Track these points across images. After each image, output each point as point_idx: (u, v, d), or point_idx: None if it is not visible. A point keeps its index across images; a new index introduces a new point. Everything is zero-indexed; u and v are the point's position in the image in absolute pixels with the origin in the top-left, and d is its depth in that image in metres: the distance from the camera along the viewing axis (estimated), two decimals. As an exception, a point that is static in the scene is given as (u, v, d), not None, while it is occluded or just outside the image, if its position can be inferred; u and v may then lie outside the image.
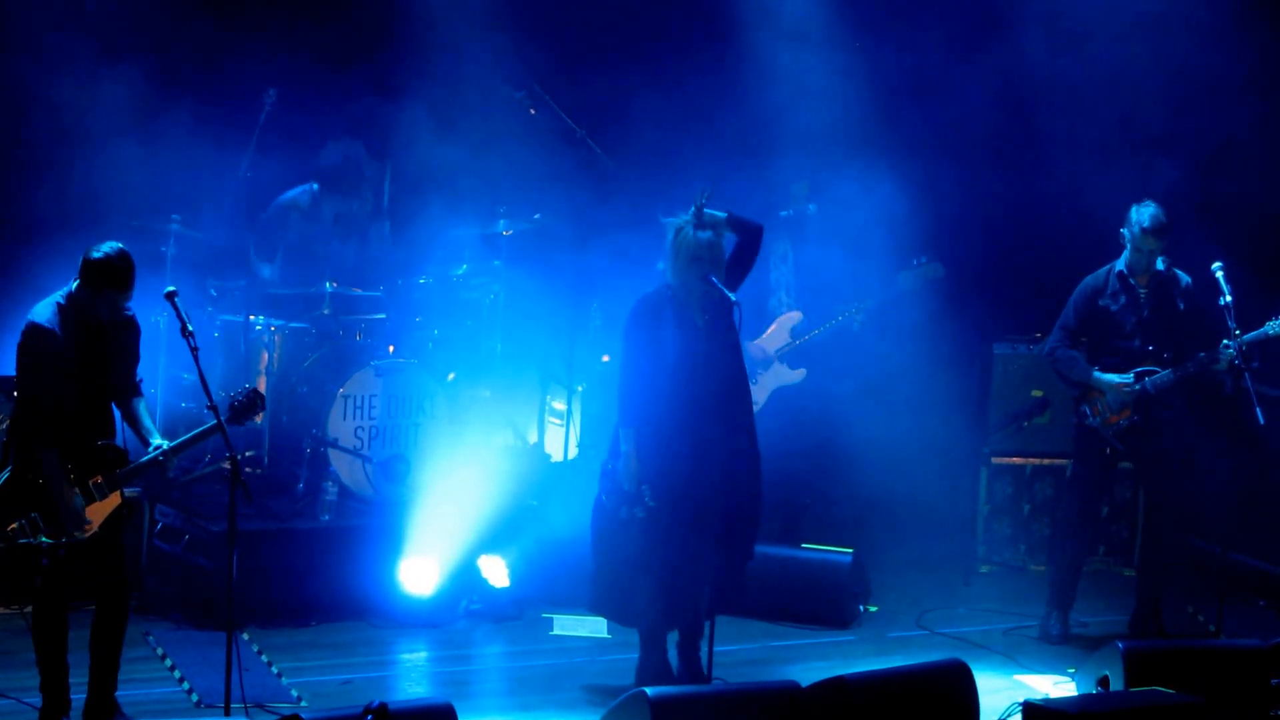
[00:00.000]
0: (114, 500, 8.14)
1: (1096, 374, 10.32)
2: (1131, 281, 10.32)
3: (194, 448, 9.13)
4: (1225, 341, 9.93)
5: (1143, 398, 10.24)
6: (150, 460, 8.15)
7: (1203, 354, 10.06)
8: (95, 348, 8.09)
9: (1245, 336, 9.89)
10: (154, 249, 10.70)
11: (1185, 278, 10.36)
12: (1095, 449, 10.42)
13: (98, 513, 8.08)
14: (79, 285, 8.04)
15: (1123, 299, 10.34)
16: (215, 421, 8.09)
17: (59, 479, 7.95)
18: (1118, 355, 10.35)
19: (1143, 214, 10.18)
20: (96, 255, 7.99)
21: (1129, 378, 10.25)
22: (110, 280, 7.98)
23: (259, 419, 10.76)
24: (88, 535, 8.04)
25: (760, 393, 11.25)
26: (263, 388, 10.83)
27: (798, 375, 11.44)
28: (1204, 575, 11.07)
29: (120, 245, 8.05)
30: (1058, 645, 10.37)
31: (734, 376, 9.05)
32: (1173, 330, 10.31)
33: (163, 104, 11.20)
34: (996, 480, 12.04)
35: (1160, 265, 10.30)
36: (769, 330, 11.45)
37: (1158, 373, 10.22)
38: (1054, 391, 11.44)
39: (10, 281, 10.43)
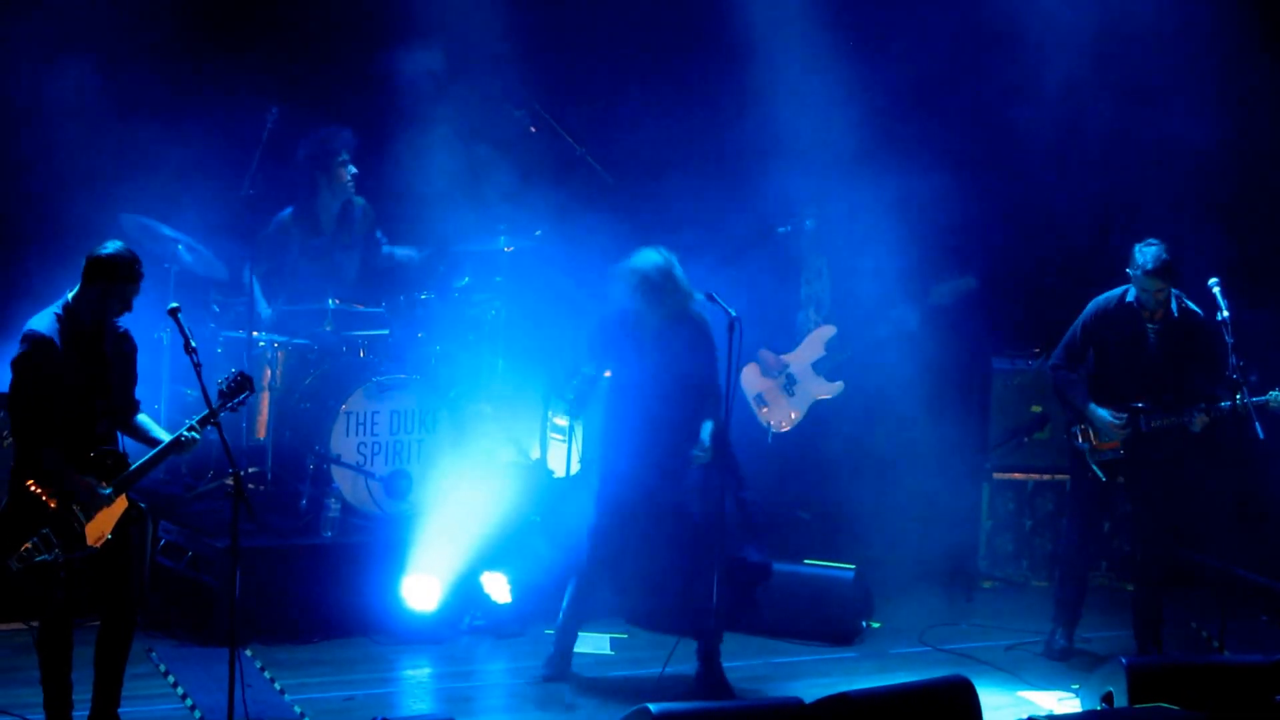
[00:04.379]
0: (121, 505, 8.13)
1: (1092, 406, 10.23)
2: (1142, 316, 10.19)
3: (197, 458, 9.42)
4: (1202, 405, 9.96)
5: (1133, 438, 10.19)
6: (173, 442, 8.12)
7: (1201, 407, 10.00)
8: (92, 359, 8.11)
9: (1248, 400, 9.80)
10: (157, 265, 10.71)
11: (1201, 316, 10.16)
12: (1086, 468, 10.40)
13: (108, 519, 8.08)
14: (84, 290, 8.07)
15: (1128, 332, 10.22)
16: (215, 420, 8.11)
17: (65, 470, 7.96)
18: (1113, 386, 10.27)
19: (1145, 255, 10.03)
20: (105, 252, 8.08)
21: (1122, 418, 10.17)
22: (124, 273, 8.06)
23: (264, 432, 10.84)
24: (101, 544, 8.05)
25: (800, 406, 11.29)
26: (265, 404, 10.84)
27: (835, 388, 11.49)
28: (1207, 591, 11.07)
29: (119, 242, 8.14)
30: (1062, 661, 10.37)
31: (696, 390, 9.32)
32: (1178, 374, 10.19)
33: (166, 121, 11.21)
34: (998, 496, 12.05)
35: (1174, 305, 10.15)
36: (804, 343, 11.49)
37: (1154, 412, 10.14)
38: (1053, 407, 11.45)
39: (11, 296, 10.42)
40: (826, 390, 11.47)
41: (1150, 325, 10.18)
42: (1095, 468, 10.27)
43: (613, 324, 9.50)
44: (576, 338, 11.55)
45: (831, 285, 11.68)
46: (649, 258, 9.31)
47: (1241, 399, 9.76)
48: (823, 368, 11.45)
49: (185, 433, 8.14)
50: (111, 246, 8.11)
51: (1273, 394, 9.94)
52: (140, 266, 8.14)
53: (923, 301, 11.55)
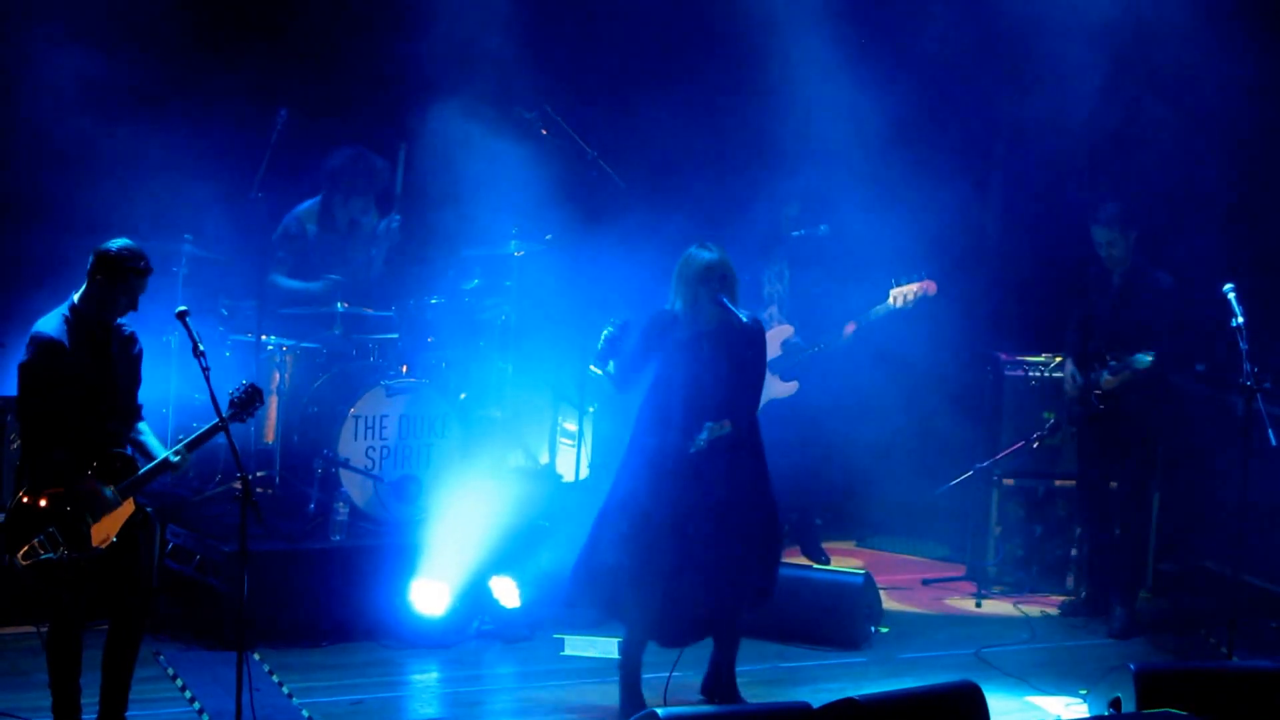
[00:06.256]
0: (127, 508, 8.13)
1: (1069, 361, 11.02)
2: (1112, 280, 10.82)
3: (205, 462, 9.46)
4: (1139, 356, 10.54)
5: (1094, 393, 10.80)
6: (162, 462, 8.14)
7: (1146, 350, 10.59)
8: (100, 360, 8.11)
9: (1260, 405, 9.94)
10: (165, 268, 10.72)
11: (1165, 280, 10.74)
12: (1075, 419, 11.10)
13: (113, 521, 8.08)
14: (90, 287, 8.08)
15: (1099, 293, 10.88)
16: (224, 427, 8.13)
17: (71, 473, 7.96)
18: (1093, 344, 10.90)
19: (1096, 212, 10.75)
20: (113, 247, 8.09)
21: (1080, 380, 10.88)
22: (131, 268, 8.06)
23: (272, 436, 10.85)
24: (105, 546, 8.05)
25: None
26: (274, 408, 10.85)
27: (790, 388, 11.39)
28: (1216, 597, 11.05)
29: (125, 238, 8.16)
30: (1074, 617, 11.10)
31: (728, 397, 9.03)
32: (1131, 329, 10.70)
33: (174, 123, 11.23)
34: (1008, 501, 12.00)
35: (1137, 263, 10.77)
36: None
37: (1109, 365, 10.71)
38: (1064, 413, 11.42)
39: (19, 301, 10.43)
40: (781, 390, 11.37)
41: (1113, 285, 10.82)
42: (1074, 409, 11.04)
43: (664, 320, 9.09)
44: (589, 340, 11.60)
45: (791, 287, 11.59)
46: (717, 254, 8.98)
47: (1254, 404, 9.78)
48: (778, 367, 11.36)
49: (172, 456, 8.16)
50: (118, 242, 8.12)
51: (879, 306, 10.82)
52: (148, 261, 8.15)
53: (882, 304, 11.42)
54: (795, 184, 11.73)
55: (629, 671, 9.24)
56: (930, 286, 11.32)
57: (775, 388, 11.35)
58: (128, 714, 8.32)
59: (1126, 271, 10.78)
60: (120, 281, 8.07)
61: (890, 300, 11.29)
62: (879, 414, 12.04)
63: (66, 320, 8.07)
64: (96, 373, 8.10)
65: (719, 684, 9.30)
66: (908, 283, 11.31)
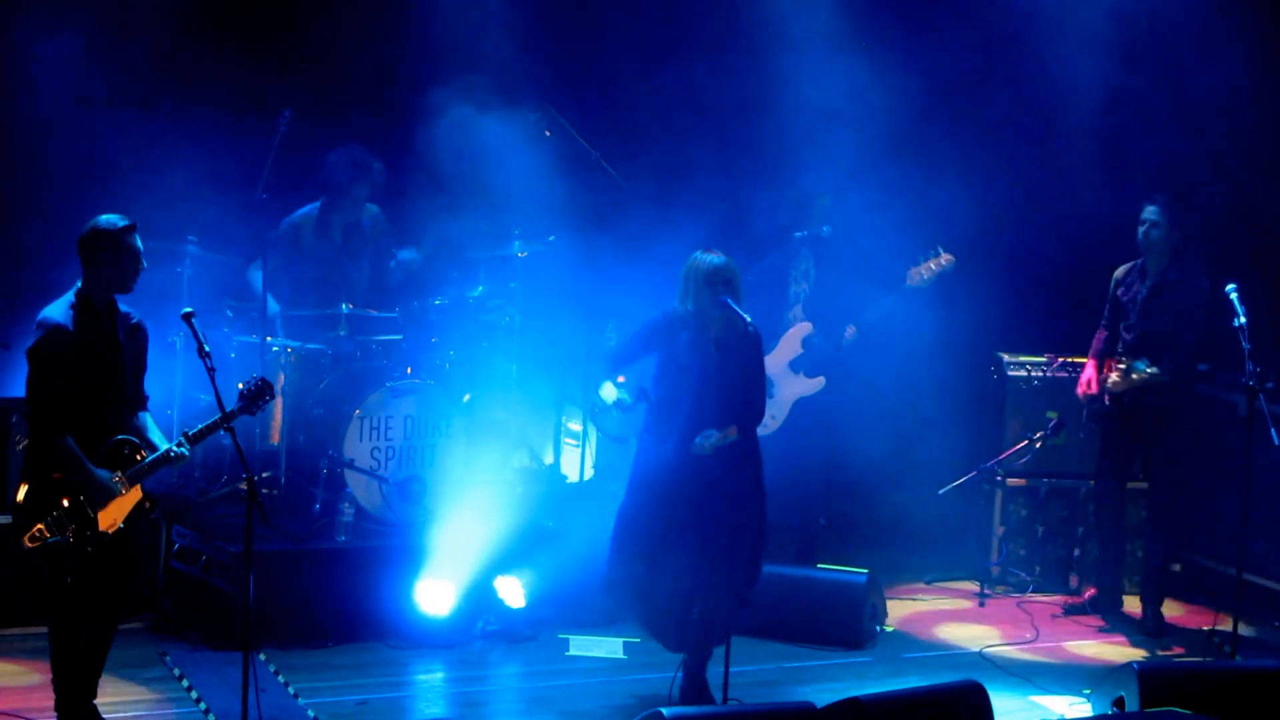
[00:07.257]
0: (135, 495, 8.16)
1: (1090, 359, 11.06)
2: (1144, 280, 10.82)
3: (211, 463, 9.42)
4: (1137, 364, 10.65)
5: (1109, 390, 10.84)
6: (165, 453, 8.16)
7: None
8: (107, 347, 8.13)
9: (1263, 405, 9.95)
10: (170, 270, 10.74)
11: (1201, 284, 10.67)
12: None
13: (121, 507, 8.11)
14: (92, 271, 8.08)
15: (1129, 291, 10.88)
16: (231, 425, 8.17)
17: (80, 459, 7.98)
18: (1119, 343, 10.95)
19: (1155, 191, 10.81)
20: (100, 222, 8.10)
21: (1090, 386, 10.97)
22: (126, 226, 8.08)
23: (278, 437, 10.87)
24: (113, 531, 8.07)
25: (780, 407, 11.22)
26: (279, 409, 10.86)
27: (817, 384, 11.34)
28: (1219, 596, 11.07)
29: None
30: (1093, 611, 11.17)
31: (735, 399, 9.04)
32: (1156, 333, 10.73)
33: (178, 124, 11.23)
34: (1011, 501, 12.01)
35: (1171, 265, 10.74)
36: (780, 342, 11.39)
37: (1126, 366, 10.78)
38: (1068, 413, 11.45)
39: (21, 302, 10.43)
40: (806, 388, 11.34)
41: (1144, 287, 10.81)
42: (1088, 418, 11.17)
43: (673, 321, 9.09)
44: (594, 341, 11.61)
45: (815, 284, 11.54)
46: (723, 258, 8.99)
47: (1257, 404, 9.80)
48: (801, 365, 11.32)
49: (175, 448, 8.18)
50: (101, 218, 8.12)
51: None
52: (133, 222, 8.15)
53: (901, 288, 11.32)
54: (808, 179, 11.68)
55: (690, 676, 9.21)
56: (948, 260, 11.19)
57: (800, 385, 11.33)
58: (134, 714, 8.36)
59: (1162, 271, 10.76)
60: (123, 251, 8.08)
61: (908, 281, 11.22)
62: (881, 414, 12.04)
63: (73, 308, 8.08)
64: (103, 360, 8.11)
65: (693, 689, 9.21)
66: (924, 260, 11.23)
